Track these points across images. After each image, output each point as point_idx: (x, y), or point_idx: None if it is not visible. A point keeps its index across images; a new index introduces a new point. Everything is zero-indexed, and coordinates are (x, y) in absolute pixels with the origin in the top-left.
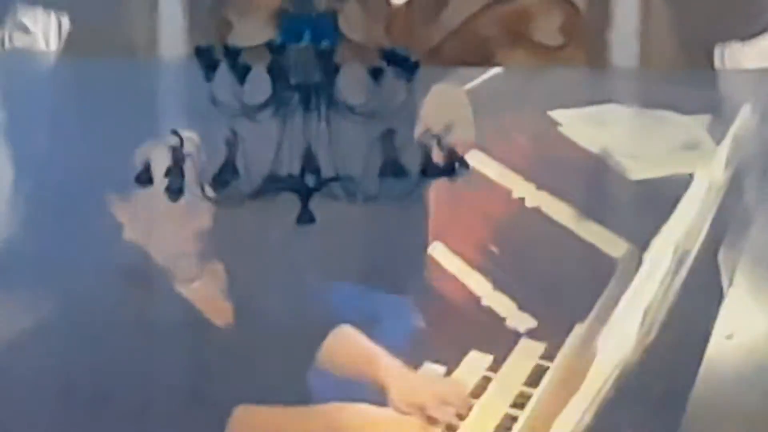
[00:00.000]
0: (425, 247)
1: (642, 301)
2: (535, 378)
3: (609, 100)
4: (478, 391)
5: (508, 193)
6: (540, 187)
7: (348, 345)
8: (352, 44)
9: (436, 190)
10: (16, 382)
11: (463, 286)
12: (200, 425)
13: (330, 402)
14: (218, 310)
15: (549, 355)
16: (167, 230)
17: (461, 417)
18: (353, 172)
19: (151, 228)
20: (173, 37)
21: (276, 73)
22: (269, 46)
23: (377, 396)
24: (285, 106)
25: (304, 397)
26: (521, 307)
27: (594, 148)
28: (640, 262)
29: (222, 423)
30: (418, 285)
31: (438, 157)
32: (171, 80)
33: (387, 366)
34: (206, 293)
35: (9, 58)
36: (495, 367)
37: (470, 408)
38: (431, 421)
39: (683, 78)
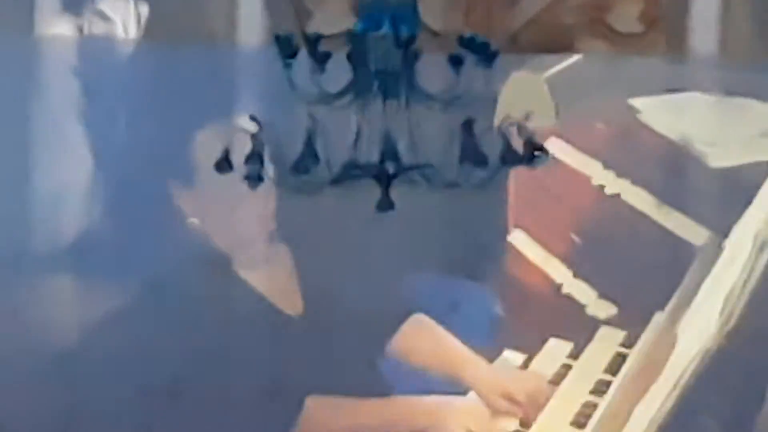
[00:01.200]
0: (505, 234)
1: (722, 289)
2: (615, 365)
3: (689, 88)
4: (558, 379)
5: (588, 180)
6: (620, 174)
7: (424, 335)
8: (431, 32)
9: (516, 177)
10: (96, 368)
11: (543, 273)
12: (275, 413)
13: (404, 392)
14: (288, 298)
15: (629, 343)
16: (231, 216)
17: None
18: (433, 159)
19: (215, 214)
20: (252, 24)
21: (356, 60)
22: (349, 33)
23: (451, 386)
24: (365, 93)
25: (378, 387)
26: (601, 295)
27: (674, 135)
28: (720, 250)
29: (295, 413)
30: (498, 273)
31: (517, 144)
32: (250, 67)
33: (465, 358)
34: (274, 280)
35: (88, 45)
36: (575, 354)
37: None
38: (519, 410)
39: (764, 65)
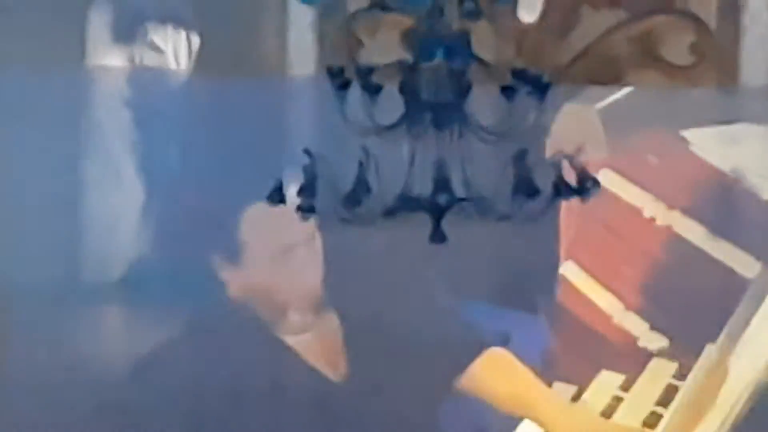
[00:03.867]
0: (557, 266)
1: None
2: (666, 397)
3: (740, 119)
4: (609, 411)
5: (640, 212)
6: (671, 206)
7: (500, 370)
8: (482, 64)
9: (568, 209)
10: (145, 400)
11: (595, 305)
12: None
13: None
14: (332, 362)
15: (681, 375)
16: (277, 292)
17: None
18: (485, 191)
19: (260, 290)
20: (303, 55)
21: (408, 92)
22: (401, 65)
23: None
24: (417, 125)
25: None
26: (653, 327)
27: (725, 167)
28: None
29: None
30: (550, 304)
31: (569, 176)
32: (301, 98)
33: (549, 401)
34: (318, 345)
35: (139, 76)
36: (626, 386)
37: None
38: None
39: None
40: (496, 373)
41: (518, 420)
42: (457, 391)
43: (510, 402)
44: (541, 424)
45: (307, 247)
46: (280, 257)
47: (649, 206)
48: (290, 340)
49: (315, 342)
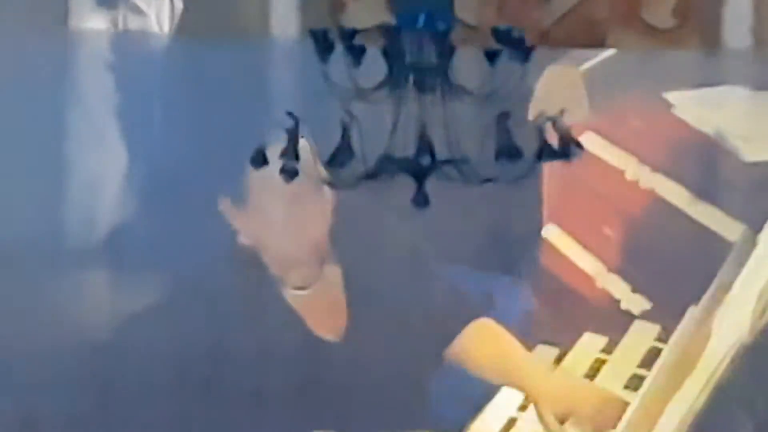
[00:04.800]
0: (539, 229)
1: (757, 283)
2: (649, 360)
3: (723, 82)
4: (592, 374)
5: (622, 175)
6: (654, 169)
7: (486, 340)
8: (465, 26)
9: (551, 172)
10: (130, 365)
11: (577, 268)
12: (314, 412)
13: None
14: (330, 319)
15: (663, 337)
16: (284, 236)
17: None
18: (468, 153)
19: (267, 234)
20: (286, 18)
21: (391, 55)
22: (384, 28)
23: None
24: (400, 87)
25: (422, 401)
26: (636, 289)
27: (708, 129)
28: (754, 244)
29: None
30: (532, 267)
31: (552, 139)
32: (284, 61)
33: (532, 368)
34: (318, 301)
35: (122, 39)
36: (609, 348)
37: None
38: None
39: None
40: (482, 344)
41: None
42: (443, 360)
43: (494, 370)
44: (523, 390)
45: (315, 197)
46: (287, 206)
47: (632, 168)
48: (292, 295)
49: (316, 298)
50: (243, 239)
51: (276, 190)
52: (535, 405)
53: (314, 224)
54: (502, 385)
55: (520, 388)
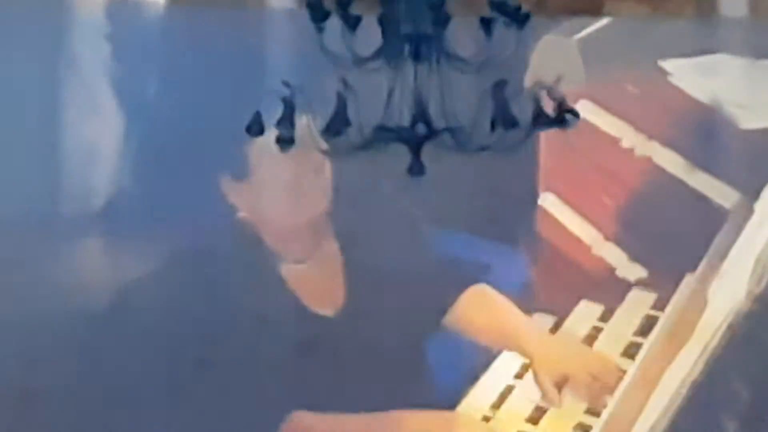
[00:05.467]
0: (536, 197)
1: (753, 251)
2: (645, 328)
3: (719, 50)
4: (589, 341)
5: (619, 143)
6: (650, 136)
7: (484, 306)
8: None
9: (547, 140)
10: (126, 333)
11: (574, 236)
12: (311, 383)
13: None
14: (326, 293)
15: (660, 305)
16: (283, 210)
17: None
18: (464, 122)
19: (265, 208)
20: None
21: (387, 24)
22: None
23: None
24: (396, 56)
25: (420, 370)
26: (632, 257)
27: (704, 97)
28: (750, 212)
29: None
30: (529, 235)
31: (548, 107)
32: (280, 30)
33: (530, 332)
34: (315, 275)
35: (119, 8)
36: (605, 317)
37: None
38: (577, 393)
39: None
40: (479, 309)
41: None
42: (440, 327)
43: (492, 335)
44: (523, 354)
45: (314, 171)
46: (287, 179)
47: (628, 137)
48: (288, 269)
49: (313, 272)
50: (242, 214)
51: (275, 163)
52: (533, 369)
53: (313, 198)
54: (501, 349)
55: (519, 352)
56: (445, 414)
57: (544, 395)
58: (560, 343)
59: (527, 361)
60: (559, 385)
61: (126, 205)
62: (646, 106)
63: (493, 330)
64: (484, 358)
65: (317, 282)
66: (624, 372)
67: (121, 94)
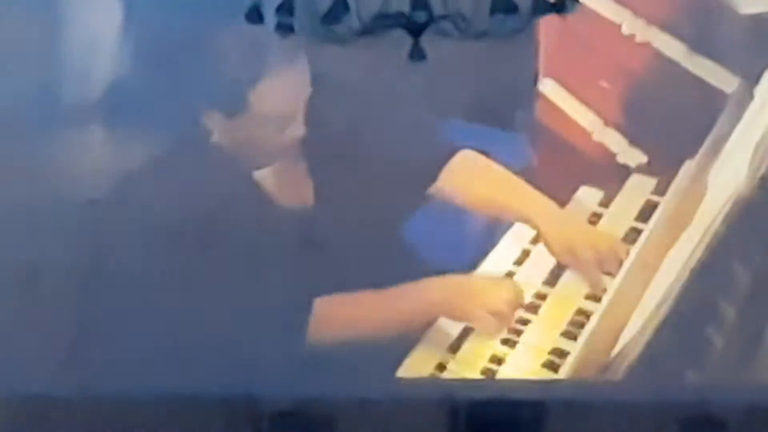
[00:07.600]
0: (535, 83)
1: (753, 136)
2: (646, 213)
3: None
4: None
5: (618, 28)
6: (650, 22)
7: (478, 171)
8: None
9: (546, 26)
10: (128, 220)
11: (574, 121)
12: (312, 268)
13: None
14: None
15: (660, 191)
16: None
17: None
18: (464, 8)
19: (244, 140)
20: None
21: None
22: None
23: (485, 239)
24: None
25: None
26: (632, 143)
27: None
28: (750, 97)
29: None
30: (528, 121)
31: None
32: None
33: (536, 200)
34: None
35: None
36: (605, 202)
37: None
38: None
39: None
40: (474, 175)
41: (492, 228)
42: (430, 197)
43: (492, 204)
44: (528, 223)
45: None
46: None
47: (629, 22)
48: (259, 173)
49: (283, 170)
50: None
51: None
52: (542, 236)
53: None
54: (498, 218)
55: (523, 221)
56: (468, 278)
57: (555, 258)
58: (567, 216)
59: (527, 246)
60: (565, 262)
61: (127, 93)
62: None
63: (492, 193)
64: (470, 228)
65: (285, 180)
66: (626, 252)
67: None
